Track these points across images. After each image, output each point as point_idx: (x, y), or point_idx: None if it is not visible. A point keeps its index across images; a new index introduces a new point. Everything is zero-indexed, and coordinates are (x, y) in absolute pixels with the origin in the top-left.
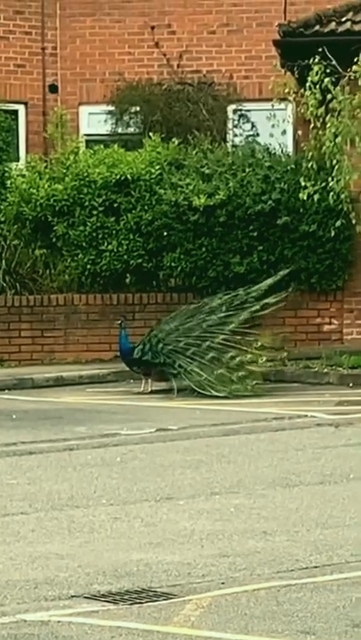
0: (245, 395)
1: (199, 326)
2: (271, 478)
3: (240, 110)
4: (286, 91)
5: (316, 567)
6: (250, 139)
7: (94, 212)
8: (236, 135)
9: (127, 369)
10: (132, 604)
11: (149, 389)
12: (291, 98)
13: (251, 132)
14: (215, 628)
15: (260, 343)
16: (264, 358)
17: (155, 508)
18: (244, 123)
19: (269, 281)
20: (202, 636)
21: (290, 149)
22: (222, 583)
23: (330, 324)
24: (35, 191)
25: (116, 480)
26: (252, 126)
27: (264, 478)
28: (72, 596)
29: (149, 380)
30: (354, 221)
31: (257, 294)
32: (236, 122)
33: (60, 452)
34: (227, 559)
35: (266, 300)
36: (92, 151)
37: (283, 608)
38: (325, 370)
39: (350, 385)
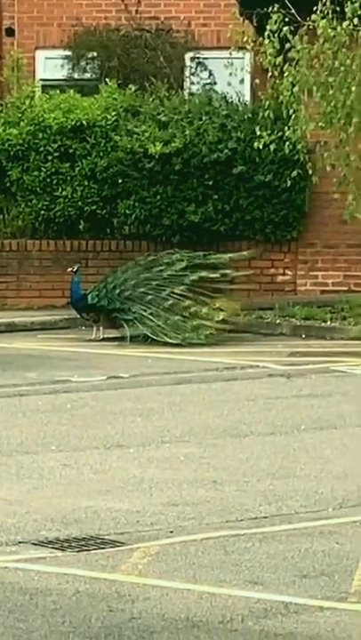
0: (198, 344)
1: (158, 276)
2: (222, 428)
3: (198, 58)
4: (245, 39)
5: (265, 517)
6: (207, 87)
7: (49, 158)
8: (193, 83)
9: (79, 316)
10: (79, 551)
11: (101, 336)
12: (249, 47)
13: (208, 81)
14: (163, 577)
15: (217, 304)
16: (221, 316)
17: (104, 455)
18: (201, 71)
19: (231, 255)
20: (149, 584)
21: (247, 98)
22: (171, 532)
23: (284, 274)
24: None
25: (66, 427)
26: (210, 74)
27: (215, 428)
28: (19, 543)
29: (100, 328)
30: (310, 172)
31: (216, 260)
32: (193, 70)
33: (9, 398)
34: (176, 508)
35: (226, 271)
36: (47, 96)
37: (231, 558)
38: (278, 321)
39: (303, 336)
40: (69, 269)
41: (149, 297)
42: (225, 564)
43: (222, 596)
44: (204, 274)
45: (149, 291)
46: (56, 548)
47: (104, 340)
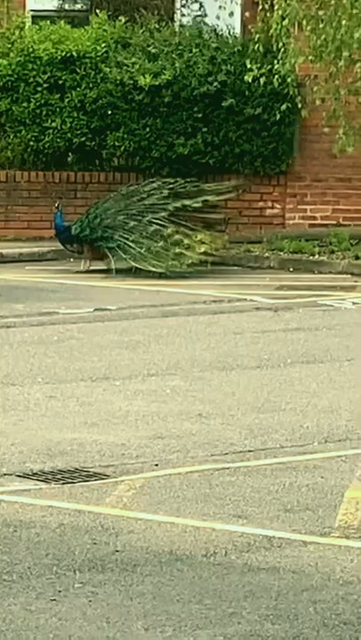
0: (184, 275)
1: (139, 205)
2: (208, 361)
3: None
4: None
5: (250, 451)
6: (198, 19)
7: (39, 89)
8: (183, 15)
9: (64, 248)
10: (64, 483)
11: (87, 268)
12: None
13: (199, 13)
14: (147, 510)
15: (199, 237)
16: (202, 249)
17: (91, 387)
18: (192, 2)
19: (215, 197)
20: (133, 517)
21: (238, 31)
22: (156, 465)
23: (272, 208)
24: None
25: (53, 359)
26: (201, 6)
27: (201, 361)
28: (4, 474)
29: (86, 259)
30: (300, 105)
31: (198, 189)
32: (184, 1)
33: None
34: (161, 441)
35: (207, 197)
36: (37, 27)
37: (215, 491)
38: (266, 254)
39: (291, 269)
40: (54, 205)
41: (131, 224)
42: (209, 497)
43: (206, 529)
44: (187, 202)
45: (131, 218)
46: (41, 481)
47: (92, 272)
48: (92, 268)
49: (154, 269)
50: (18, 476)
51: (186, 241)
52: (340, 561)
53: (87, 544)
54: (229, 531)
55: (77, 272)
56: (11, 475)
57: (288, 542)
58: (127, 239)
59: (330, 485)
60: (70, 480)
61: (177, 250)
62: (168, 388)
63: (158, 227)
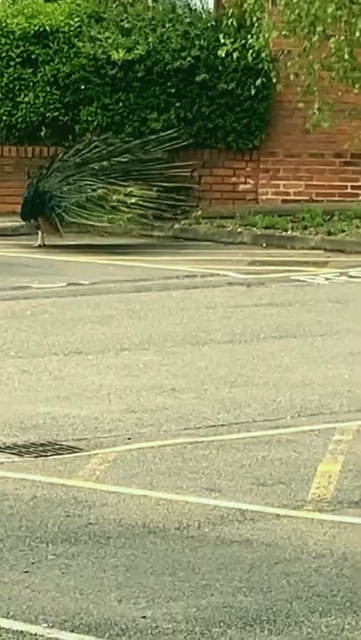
0: (126, 229)
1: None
2: (181, 336)
3: None
4: None
5: (223, 425)
6: None
7: (11, 64)
8: None
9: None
10: (37, 456)
11: (43, 243)
12: None
13: None
14: (120, 483)
15: (129, 190)
16: (133, 200)
17: (63, 362)
18: None
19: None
20: (106, 490)
21: (211, 6)
22: (129, 438)
23: (245, 183)
24: None
25: (26, 333)
26: None
27: (174, 335)
28: None
29: (42, 234)
30: (274, 80)
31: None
32: None
33: None
34: (134, 415)
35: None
36: (10, 1)
37: (188, 465)
38: (239, 229)
39: (263, 245)
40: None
41: (68, 188)
42: (182, 471)
43: (179, 502)
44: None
45: (69, 183)
46: (14, 454)
47: (67, 247)
48: (66, 243)
49: (97, 224)
50: None
51: (115, 196)
52: (313, 534)
53: (60, 517)
54: (202, 504)
55: (37, 247)
56: None
57: (261, 515)
58: (68, 201)
59: (303, 459)
60: (43, 453)
61: (111, 204)
62: (141, 363)
63: (89, 184)
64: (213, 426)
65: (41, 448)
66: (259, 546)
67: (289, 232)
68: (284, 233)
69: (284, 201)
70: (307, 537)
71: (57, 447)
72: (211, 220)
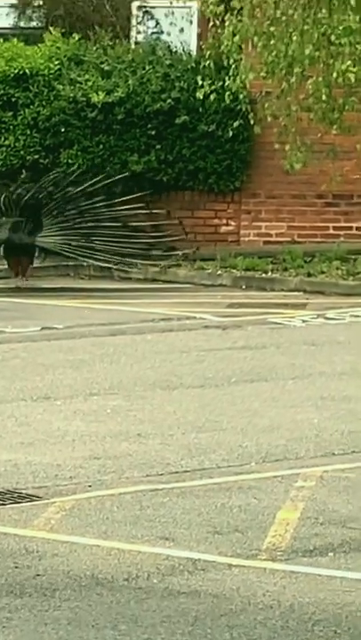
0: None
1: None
2: (152, 380)
3: (144, 7)
4: None
5: (186, 472)
6: (154, 36)
7: None
8: (139, 32)
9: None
10: None
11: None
12: None
13: (155, 30)
14: (74, 532)
15: None
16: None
17: (31, 407)
18: (148, 20)
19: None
20: (59, 540)
21: (193, 48)
22: (89, 486)
23: (227, 225)
24: None
25: None
26: (157, 24)
27: (145, 380)
28: None
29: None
30: (252, 122)
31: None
32: (140, 19)
33: None
34: (97, 461)
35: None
36: None
37: (146, 513)
38: (219, 272)
39: (243, 287)
40: None
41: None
42: (139, 519)
43: (132, 552)
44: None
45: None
46: None
47: (43, 290)
48: (43, 286)
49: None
50: None
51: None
52: (263, 584)
53: (9, 568)
54: (155, 553)
55: (16, 288)
56: None
57: (213, 565)
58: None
59: (262, 506)
60: (1, 502)
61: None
62: (109, 408)
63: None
64: (176, 472)
65: None
66: (206, 597)
67: (269, 274)
68: (264, 275)
69: (265, 242)
70: (256, 587)
71: (16, 495)
72: (191, 263)
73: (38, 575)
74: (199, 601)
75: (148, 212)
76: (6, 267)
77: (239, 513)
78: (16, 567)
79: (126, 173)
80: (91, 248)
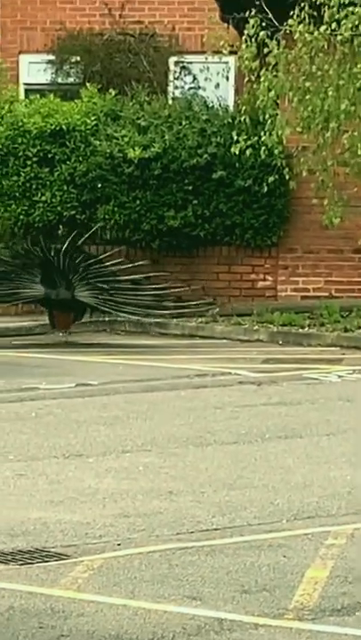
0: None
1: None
2: (186, 437)
3: (182, 62)
4: (221, 43)
5: (216, 529)
6: (191, 91)
7: (28, 163)
8: (177, 87)
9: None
10: (22, 564)
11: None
12: (225, 51)
13: (192, 85)
14: (101, 592)
15: None
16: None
17: (62, 465)
18: (185, 75)
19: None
20: (86, 599)
21: (230, 103)
22: (118, 544)
23: (264, 280)
24: None
25: (28, 435)
26: (194, 79)
27: (179, 436)
28: None
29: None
30: (288, 177)
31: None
32: (177, 74)
33: None
34: (127, 519)
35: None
36: (27, 101)
37: (174, 572)
38: (256, 327)
39: (280, 342)
40: None
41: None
42: (167, 578)
43: (158, 611)
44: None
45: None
46: None
47: (78, 345)
48: (80, 341)
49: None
50: None
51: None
52: None
53: (33, 628)
54: (181, 613)
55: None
56: None
57: (239, 625)
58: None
59: (291, 565)
60: (29, 561)
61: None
62: (141, 465)
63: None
64: (207, 530)
65: (27, 555)
66: None
67: (306, 329)
68: (300, 330)
69: (303, 297)
70: None
71: (44, 554)
72: (228, 318)
73: (63, 636)
74: None
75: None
76: (41, 322)
77: (268, 571)
78: (40, 627)
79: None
80: (117, 302)
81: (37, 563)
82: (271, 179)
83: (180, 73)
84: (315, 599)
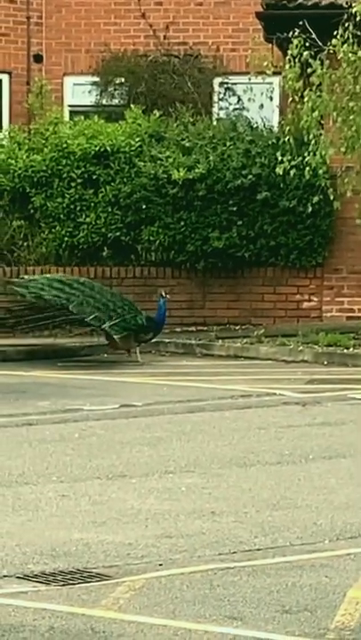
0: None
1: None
2: (229, 457)
3: (226, 83)
4: (265, 64)
5: (258, 550)
6: (236, 112)
7: (73, 184)
8: (221, 108)
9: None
10: (64, 584)
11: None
12: (269, 71)
13: (237, 106)
14: (142, 612)
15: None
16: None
17: (105, 485)
18: (230, 96)
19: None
20: (126, 620)
21: (274, 123)
22: (160, 565)
23: (309, 300)
24: (13, 162)
25: (71, 456)
26: (238, 99)
27: (222, 457)
28: (4, 576)
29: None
30: (332, 197)
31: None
32: (221, 95)
33: (18, 428)
34: (169, 540)
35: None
36: (71, 122)
37: (215, 592)
38: (301, 347)
39: (325, 363)
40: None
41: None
42: (208, 598)
43: (198, 632)
44: None
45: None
46: (40, 582)
47: (124, 366)
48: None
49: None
50: (17, 577)
51: None
52: None
53: None
54: (222, 633)
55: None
56: (11, 576)
57: None
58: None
59: (333, 585)
60: (71, 581)
61: None
62: (184, 486)
63: None
64: (249, 550)
65: (69, 576)
66: None
67: (351, 349)
68: (345, 350)
69: (348, 318)
70: None
71: (85, 575)
72: (273, 339)
73: None
74: None
75: None
76: (88, 344)
77: (310, 592)
78: None
79: None
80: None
81: (79, 583)
82: (315, 199)
83: (225, 94)
84: (356, 619)
